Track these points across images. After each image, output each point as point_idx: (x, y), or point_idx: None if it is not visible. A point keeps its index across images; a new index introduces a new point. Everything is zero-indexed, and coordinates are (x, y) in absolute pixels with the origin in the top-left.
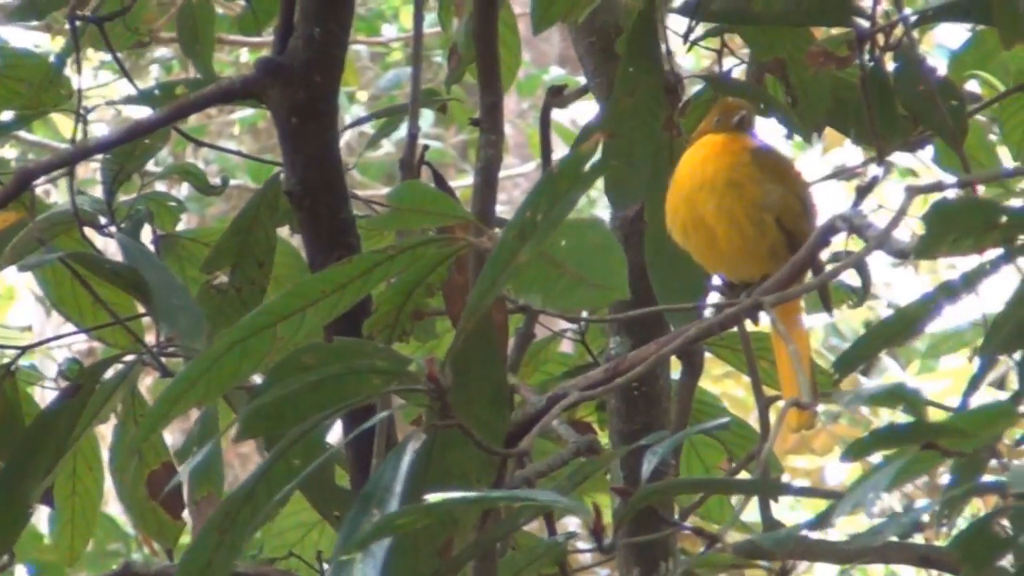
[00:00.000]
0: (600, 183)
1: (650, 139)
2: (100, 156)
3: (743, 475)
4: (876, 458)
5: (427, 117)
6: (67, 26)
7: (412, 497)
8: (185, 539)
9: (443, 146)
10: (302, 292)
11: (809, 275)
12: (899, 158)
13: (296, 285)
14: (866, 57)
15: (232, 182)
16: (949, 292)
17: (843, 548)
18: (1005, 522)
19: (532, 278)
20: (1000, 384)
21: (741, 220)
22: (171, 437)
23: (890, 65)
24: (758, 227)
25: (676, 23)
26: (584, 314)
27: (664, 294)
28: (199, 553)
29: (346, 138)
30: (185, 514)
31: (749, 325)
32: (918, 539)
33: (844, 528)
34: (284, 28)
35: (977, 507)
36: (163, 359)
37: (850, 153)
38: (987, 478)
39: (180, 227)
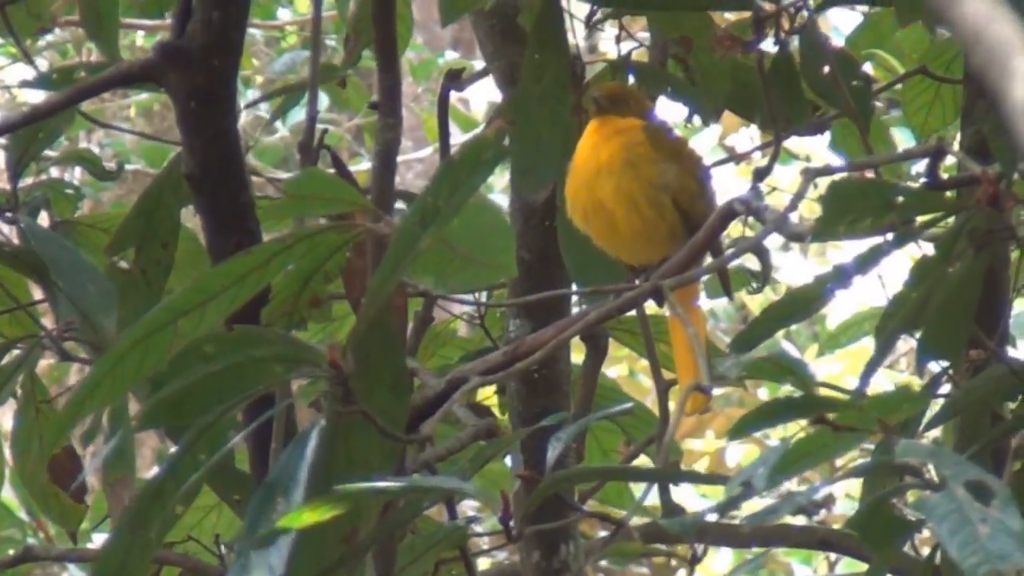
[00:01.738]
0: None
1: (558, 125)
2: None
3: (642, 459)
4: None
5: (322, 101)
6: None
7: (316, 485)
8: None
9: (340, 130)
10: (202, 287)
11: (708, 258)
12: (792, 143)
13: (195, 280)
14: (769, 40)
15: (127, 167)
16: (842, 274)
17: (742, 530)
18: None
19: (427, 262)
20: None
21: (640, 202)
22: None
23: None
24: (656, 209)
25: (578, 7)
26: (484, 298)
27: (582, 279)
28: (113, 554)
29: (240, 122)
30: (89, 498)
31: (647, 308)
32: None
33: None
34: (182, 11)
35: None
36: (63, 344)
37: (743, 139)
38: None
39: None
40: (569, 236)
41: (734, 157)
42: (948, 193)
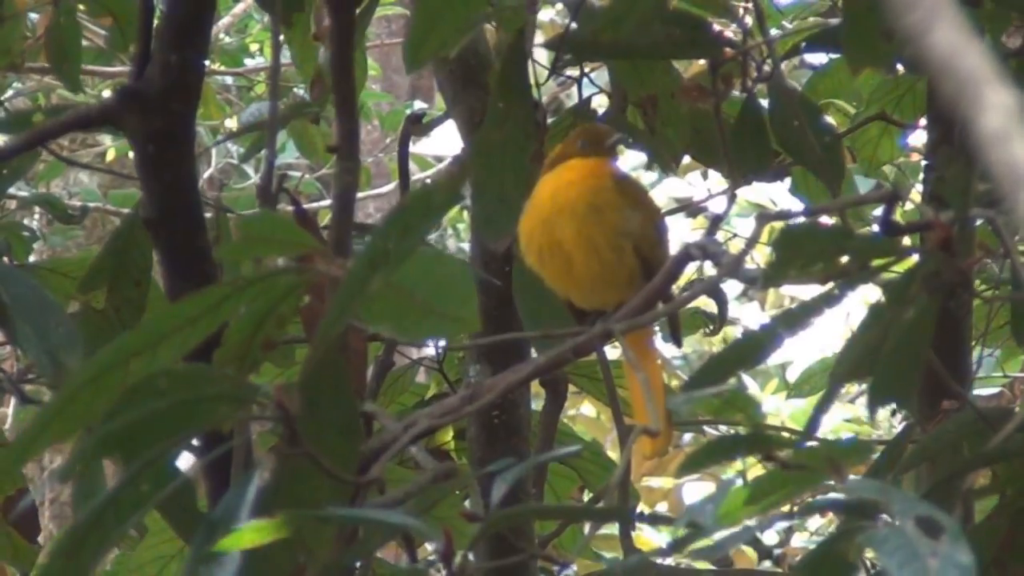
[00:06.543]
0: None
1: (521, 173)
2: None
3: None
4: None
5: (292, 149)
6: None
7: None
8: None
9: (310, 178)
10: (153, 328)
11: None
12: (753, 192)
13: (147, 320)
14: (734, 87)
15: (90, 205)
16: (792, 321)
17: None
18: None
19: (384, 309)
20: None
21: (601, 247)
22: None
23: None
24: (617, 254)
25: (541, 53)
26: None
27: (532, 325)
28: None
29: (211, 168)
30: (41, 538)
31: (609, 353)
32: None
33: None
34: (141, 55)
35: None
36: (25, 386)
37: (695, 187)
38: None
39: (34, 258)
40: (522, 281)
41: (687, 207)
42: (907, 239)
